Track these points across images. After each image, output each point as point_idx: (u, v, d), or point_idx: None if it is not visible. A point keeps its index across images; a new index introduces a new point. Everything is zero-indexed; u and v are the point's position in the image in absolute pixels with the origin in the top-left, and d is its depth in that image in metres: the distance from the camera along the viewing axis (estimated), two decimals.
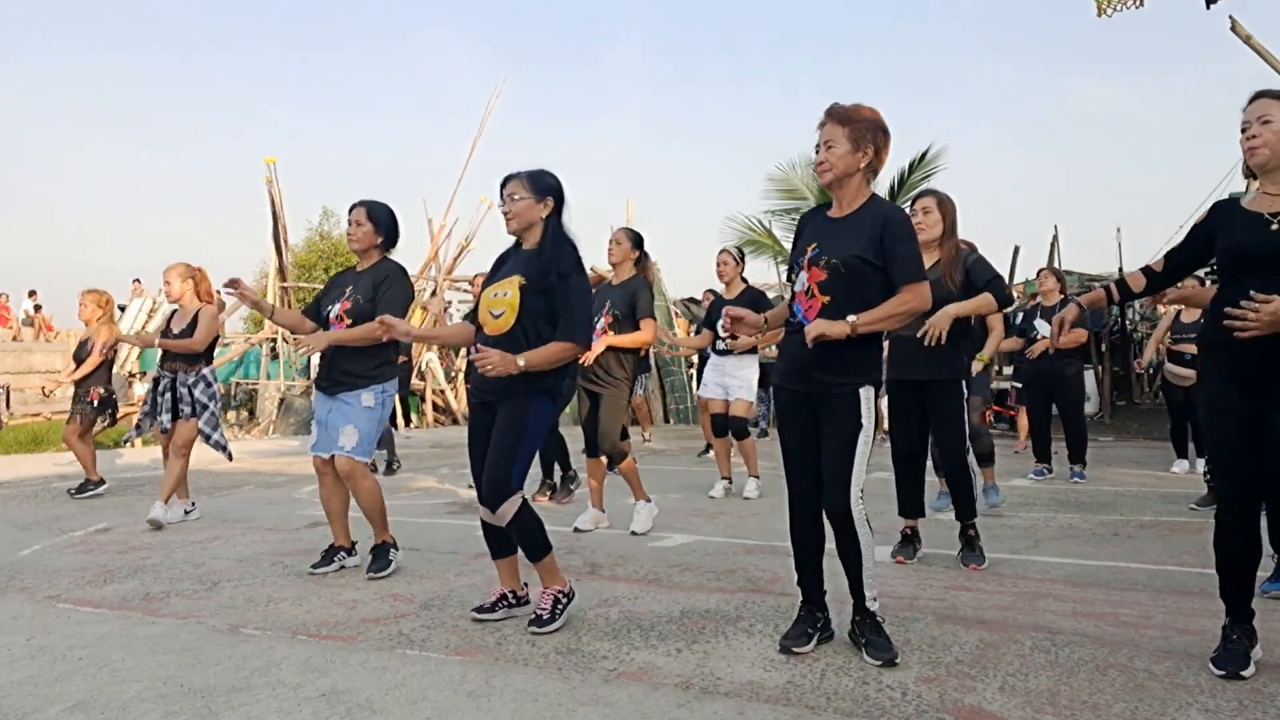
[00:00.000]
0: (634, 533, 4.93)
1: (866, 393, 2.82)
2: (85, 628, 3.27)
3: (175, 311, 5.72)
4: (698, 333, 7.41)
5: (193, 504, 5.66)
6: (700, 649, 2.93)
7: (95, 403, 6.69)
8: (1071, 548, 4.53)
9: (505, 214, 3.26)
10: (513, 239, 3.36)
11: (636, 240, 5.09)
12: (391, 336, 3.52)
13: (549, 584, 3.23)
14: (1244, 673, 2.62)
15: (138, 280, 19.25)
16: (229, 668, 2.81)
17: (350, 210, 4.06)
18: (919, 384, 4.10)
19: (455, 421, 14.99)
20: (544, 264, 3.18)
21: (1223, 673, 2.63)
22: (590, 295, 3.29)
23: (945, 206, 4.14)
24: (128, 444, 10.42)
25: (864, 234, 2.80)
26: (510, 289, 3.18)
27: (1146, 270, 3.05)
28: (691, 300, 15.77)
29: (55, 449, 10.56)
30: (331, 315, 4.00)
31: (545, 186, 3.26)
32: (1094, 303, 3.15)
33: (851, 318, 2.73)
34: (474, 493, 6.70)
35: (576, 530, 5.03)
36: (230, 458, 5.82)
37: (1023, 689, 2.55)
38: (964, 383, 4.17)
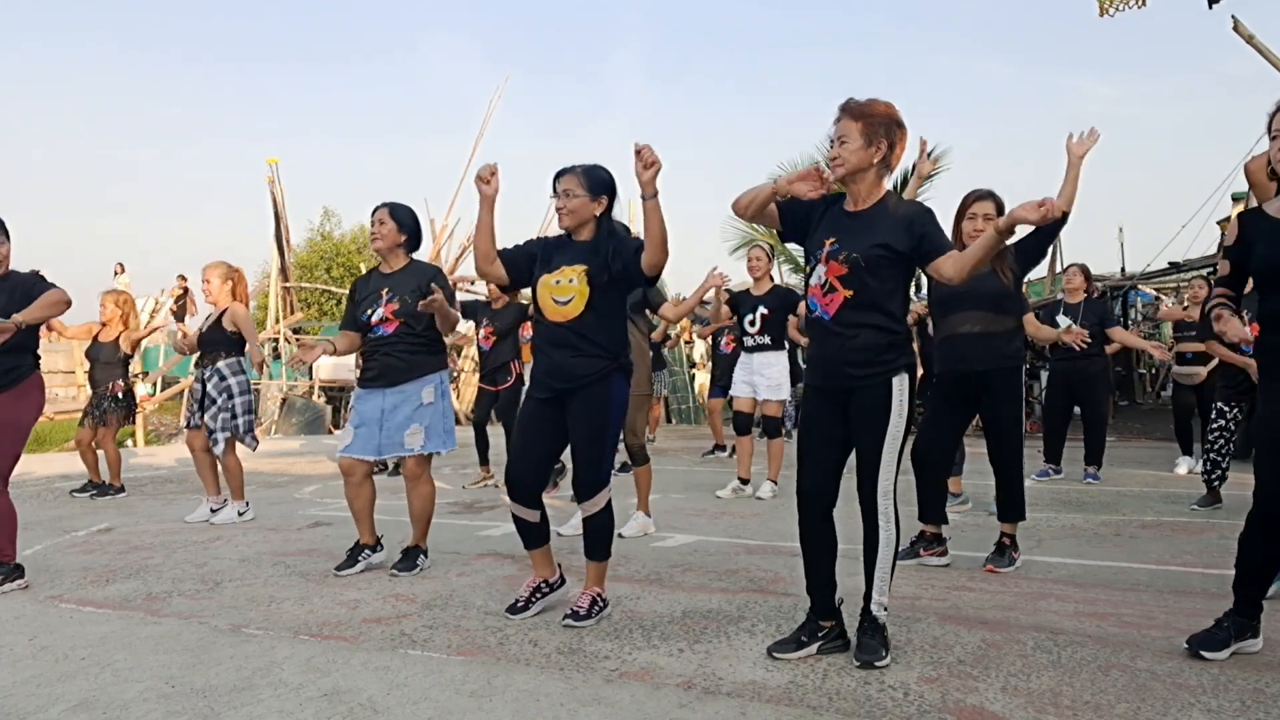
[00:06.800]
0: (620, 535, 4.90)
1: (900, 381, 2.78)
2: (87, 628, 3.28)
3: (213, 312, 5.76)
4: (704, 336, 7.34)
5: (224, 500, 5.70)
6: (702, 649, 2.93)
7: (119, 395, 6.74)
8: (1074, 548, 4.53)
9: (559, 209, 3.25)
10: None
11: None
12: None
13: (594, 586, 3.28)
14: (1207, 654, 2.72)
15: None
16: (231, 668, 2.81)
17: (373, 212, 4.11)
18: (977, 375, 3.97)
19: (457, 422, 14.97)
20: (603, 257, 3.19)
21: (1187, 648, 2.75)
22: None
23: (1002, 209, 4.11)
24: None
25: (884, 226, 2.76)
26: (576, 276, 3.19)
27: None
28: None
29: (57, 449, 10.58)
30: (376, 318, 4.00)
31: (600, 183, 3.25)
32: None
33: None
34: (472, 493, 6.77)
35: (558, 534, 4.98)
36: (220, 456, 5.75)
37: (1025, 689, 2.55)
38: (1023, 372, 4.07)
